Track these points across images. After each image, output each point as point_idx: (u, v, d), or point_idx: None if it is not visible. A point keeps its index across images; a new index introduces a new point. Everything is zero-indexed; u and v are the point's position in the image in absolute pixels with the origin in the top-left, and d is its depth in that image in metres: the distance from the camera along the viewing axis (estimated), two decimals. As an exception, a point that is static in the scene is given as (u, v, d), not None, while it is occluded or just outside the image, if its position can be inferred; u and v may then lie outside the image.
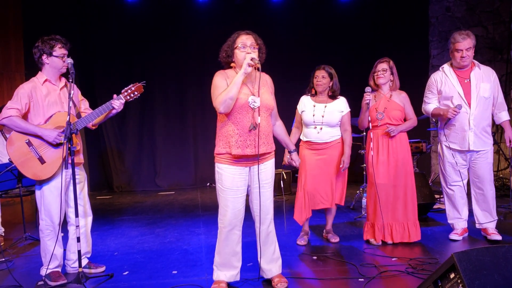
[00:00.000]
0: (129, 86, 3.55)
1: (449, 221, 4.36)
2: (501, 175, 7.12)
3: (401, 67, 7.85)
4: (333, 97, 4.22)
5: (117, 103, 3.48)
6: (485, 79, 4.08)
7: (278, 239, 4.41)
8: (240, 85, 2.95)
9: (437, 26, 8.23)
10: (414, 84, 8.27)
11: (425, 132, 7.71)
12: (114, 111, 3.52)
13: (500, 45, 7.51)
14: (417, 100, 8.55)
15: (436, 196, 5.78)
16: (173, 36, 8.19)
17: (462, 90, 4.08)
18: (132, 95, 3.54)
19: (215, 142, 3.14)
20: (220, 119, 3.10)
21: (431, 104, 4.34)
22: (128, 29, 8.04)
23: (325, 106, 4.16)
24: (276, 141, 3.30)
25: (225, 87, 2.99)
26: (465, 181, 4.24)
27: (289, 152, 3.48)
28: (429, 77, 8.52)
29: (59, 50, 3.42)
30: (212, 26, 8.16)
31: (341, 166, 4.18)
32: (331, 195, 4.21)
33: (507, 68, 7.39)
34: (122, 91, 3.53)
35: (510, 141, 4.14)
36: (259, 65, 2.96)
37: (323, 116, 4.13)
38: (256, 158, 3.05)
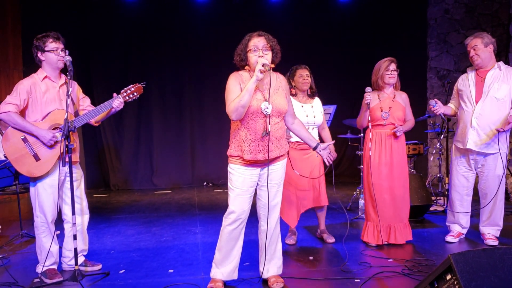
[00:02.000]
0: (129, 87, 3.53)
1: (447, 223, 4.37)
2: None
3: (400, 68, 7.91)
4: (312, 96, 4.28)
5: (116, 102, 3.47)
6: (502, 80, 3.98)
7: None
8: (252, 92, 2.93)
9: (436, 28, 8.25)
10: (412, 85, 8.31)
11: (423, 134, 7.73)
12: (113, 110, 3.51)
13: (498, 48, 7.44)
14: (415, 101, 8.58)
15: (433, 198, 5.79)
16: (171, 36, 8.18)
17: (475, 89, 4.05)
18: (131, 95, 3.53)
19: (228, 142, 3.15)
20: (234, 122, 3.10)
21: (449, 104, 4.36)
22: (126, 29, 8.03)
23: (312, 107, 4.20)
24: None
25: (239, 92, 2.97)
26: (469, 191, 4.19)
27: (314, 148, 3.29)
28: (427, 79, 8.60)
29: (50, 45, 3.40)
30: (210, 26, 8.17)
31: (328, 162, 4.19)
32: (318, 194, 4.24)
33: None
34: (122, 91, 3.52)
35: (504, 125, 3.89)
36: (268, 69, 2.90)
37: (314, 117, 4.18)
38: (265, 162, 3.08)
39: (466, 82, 4.15)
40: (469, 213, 4.26)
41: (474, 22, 8.01)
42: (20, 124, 3.30)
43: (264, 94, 3.03)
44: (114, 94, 3.50)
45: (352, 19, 8.51)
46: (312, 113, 4.18)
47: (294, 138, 4.16)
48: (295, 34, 8.36)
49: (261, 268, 3.28)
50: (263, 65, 2.88)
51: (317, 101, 4.31)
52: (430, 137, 8.28)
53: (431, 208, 5.52)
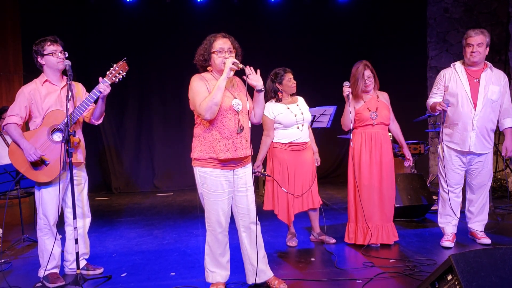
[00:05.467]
0: (113, 67, 3.47)
1: (440, 225, 4.24)
2: (499, 176, 7.13)
3: (399, 68, 7.92)
4: (293, 95, 4.28)
5: (102, 86, 3.42)
6: (495, 82, 3.95)
7: (274, 242, 4.43)
8: (223, 89, 2.93)
9: (435, 27, 8.25)
10: (412, 84, 8.32)
11: (423, 133, 7.72)
12: (101, 95, 3.46)
13: (498, 46, 7.52)
14: (416, 101, 8.57)
15: (434, 197, 5.77)
16: (171, 37, 8.18)
17: (470, 89, 3.97)
18: (117, 75, 3.47)
19: (191, 146, 3.12)
20: (202, 123, 3.08)
21: (433, 99, 4.24)
22: (126, 30, 8.04)
23: (298, 105, 4.21)
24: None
25: (206, 92, 2.97)
26: (461, 186, 4.15)
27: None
28: (427, 78, 8.58)
29: (48, 48, 3.43)
30: (211, 26, 8.08)
31: (317, 164, 4.33)
32: (311, 195, 4.23)
33: (505, 70, 7.39)
34: (107, 73, 3.46)
35: (506, 152, 4.03)
36: (241, 66, 2.94)
37: (303, 114, 4.17)
38: (240, 161, 3.09)
39: (457, 79, 4.05)
40: (459, 209, 4.19)
41: (473, 21, 8.00)
42: (14, 137, 3.36)
43: (232, 92, 3.06)
44: (100, 78, 3.46)
45: (352, 18, 8.50)
46: (299, 111, 4.17)
47: (287, 139, 4.15)
48: (295, 34, 8.37)
49: (251, 277, 3.21)
50: (233, 63, 2.92)
51: (300, 99, 4.31)
52: (431, 137, 8.27)
53: (432, 208, 5.50)
